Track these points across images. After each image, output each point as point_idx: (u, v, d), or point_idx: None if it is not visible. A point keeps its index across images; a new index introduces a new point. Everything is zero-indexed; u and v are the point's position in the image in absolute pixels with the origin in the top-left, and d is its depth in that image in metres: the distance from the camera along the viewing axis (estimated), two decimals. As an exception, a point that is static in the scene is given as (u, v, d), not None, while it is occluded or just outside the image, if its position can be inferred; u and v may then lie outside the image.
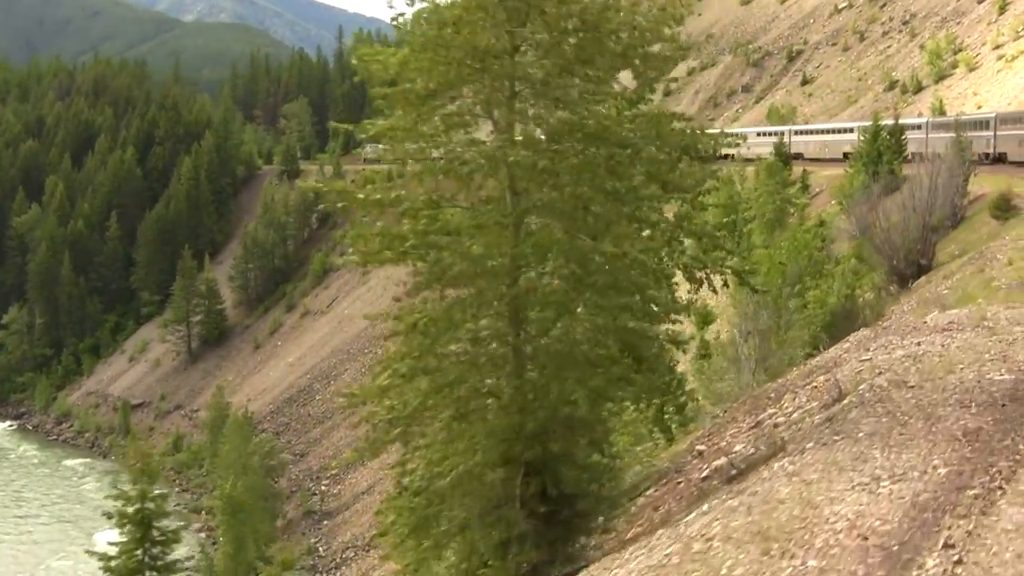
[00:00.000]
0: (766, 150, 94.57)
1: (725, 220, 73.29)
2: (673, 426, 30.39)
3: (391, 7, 18.15)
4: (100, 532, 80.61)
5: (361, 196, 17.04)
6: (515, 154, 15.86)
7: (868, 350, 18.97)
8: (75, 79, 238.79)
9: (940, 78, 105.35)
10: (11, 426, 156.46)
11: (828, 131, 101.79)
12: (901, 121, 65.44)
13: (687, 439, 25.08)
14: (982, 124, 71.56)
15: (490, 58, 15.87)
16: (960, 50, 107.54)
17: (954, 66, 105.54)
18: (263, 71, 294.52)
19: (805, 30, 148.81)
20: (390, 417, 16.46)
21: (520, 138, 16.45)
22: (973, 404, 13.32)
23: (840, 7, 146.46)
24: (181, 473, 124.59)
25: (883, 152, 57.10)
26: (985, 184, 47.61)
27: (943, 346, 16.82)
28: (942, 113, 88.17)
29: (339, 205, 18.12)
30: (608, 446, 17.97)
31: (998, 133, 68.38)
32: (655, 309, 17.25)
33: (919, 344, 17.53)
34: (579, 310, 16.40)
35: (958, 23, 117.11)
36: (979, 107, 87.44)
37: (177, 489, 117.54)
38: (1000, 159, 66.74)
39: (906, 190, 28.82)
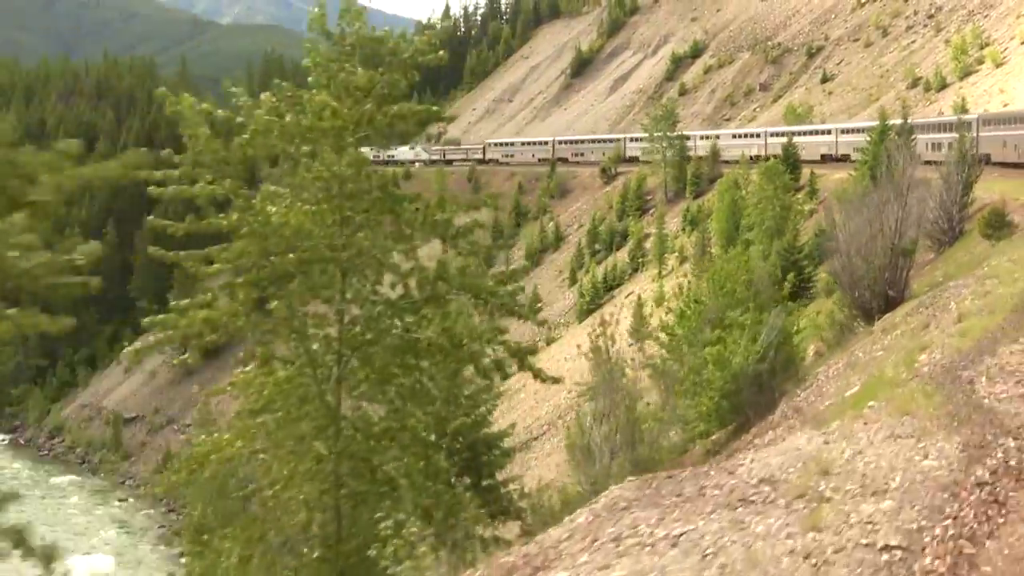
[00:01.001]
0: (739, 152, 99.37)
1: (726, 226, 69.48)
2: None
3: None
4: (73, 557, 77.05)
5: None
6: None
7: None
8: (80, 80, 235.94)
9: (965, 75, 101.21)
10: (3, 440, 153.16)
11: (805, 133, 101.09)
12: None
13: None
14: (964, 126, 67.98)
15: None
16: (987, 45, 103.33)
17: (980, 62, 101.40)
18: (276, 71, 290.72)
19: (826, 25, 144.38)
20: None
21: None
22: None
23: (863, 1, 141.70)
24: (170, 492, 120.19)
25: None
26: (997, 189, 43.35)
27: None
28: (964, 112, 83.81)
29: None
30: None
31: (981, 134, 65.49)
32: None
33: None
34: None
35: (985, 16, 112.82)
36: (1005, 105, 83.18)
37: (163, 509, 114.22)
38: (984, 161, 60.77)
39: (871, 205, 24.21)
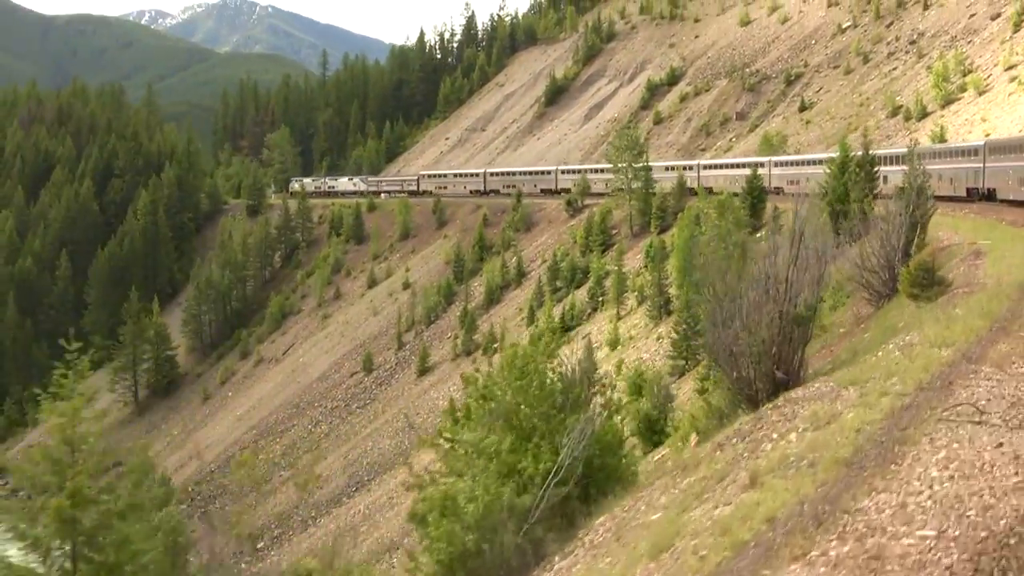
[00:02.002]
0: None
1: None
2: None
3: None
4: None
5: None
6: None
7: None
8: (43, 107, 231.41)
9: (947, 102, 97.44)
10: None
11: (734, 165, 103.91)
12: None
13: None
14: (969, 153, 65.57)
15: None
16: (970, 71, 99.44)
17: (963, 89, 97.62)
18: (251, 99, 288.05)
19: (806, 52, 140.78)
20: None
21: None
22: None
23: (844, 26, 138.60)
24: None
25: (851, 188, 48.03)
26: (958, 229, 39.16)
27: None
28: (942, 141, 79.84)
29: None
30: None
31: (988, 165, 60.85)
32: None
33: None
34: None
35: (969, 42, 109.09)
36: (987, 135, 78.87)
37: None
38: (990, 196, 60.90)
39: (762, 259, 19.31)
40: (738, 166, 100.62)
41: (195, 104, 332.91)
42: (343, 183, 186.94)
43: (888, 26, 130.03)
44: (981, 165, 62.49)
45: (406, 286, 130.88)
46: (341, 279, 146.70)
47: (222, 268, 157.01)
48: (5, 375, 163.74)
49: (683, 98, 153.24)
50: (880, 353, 17.51)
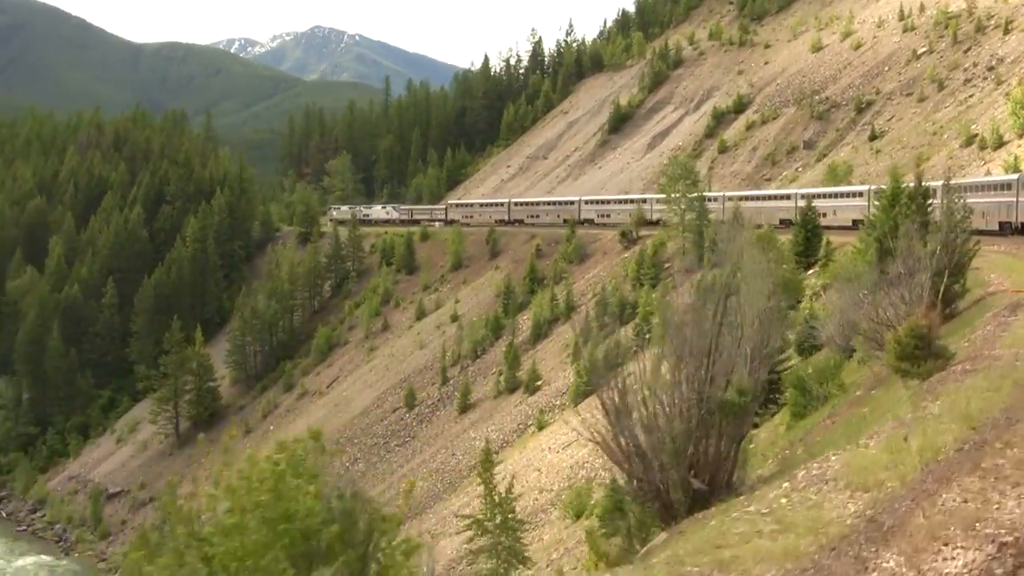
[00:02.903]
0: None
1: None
2: None
3: None
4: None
5: None
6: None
7: None
8: (101, 132, 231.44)
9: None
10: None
11: (763, 197, 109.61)
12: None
13: None
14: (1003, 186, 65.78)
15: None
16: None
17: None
18: (316, 125, 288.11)
19: (878, 78, 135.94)
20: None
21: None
22: None
23: (919, 52, 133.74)
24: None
25: (900, 222, 43.69)
26: (1014, 271, 35.00)
27: None
28: (1016, 171, 74.99)
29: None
30: None
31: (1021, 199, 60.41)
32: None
33: None
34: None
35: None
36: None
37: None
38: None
39: (671, 335, 15.14)
40: (764, 198, 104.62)
41: (278, 132, 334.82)
42: (376, 211, 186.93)
43: (966, 52, 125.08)
44: (1015, 199, 62.83)
45: (454, 318, 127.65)
46: (390, 310, 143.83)
47: (268, 298, 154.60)
48: (49, 404, 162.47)
49: (749, 126, 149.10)
50: (773, 494, 12.69)
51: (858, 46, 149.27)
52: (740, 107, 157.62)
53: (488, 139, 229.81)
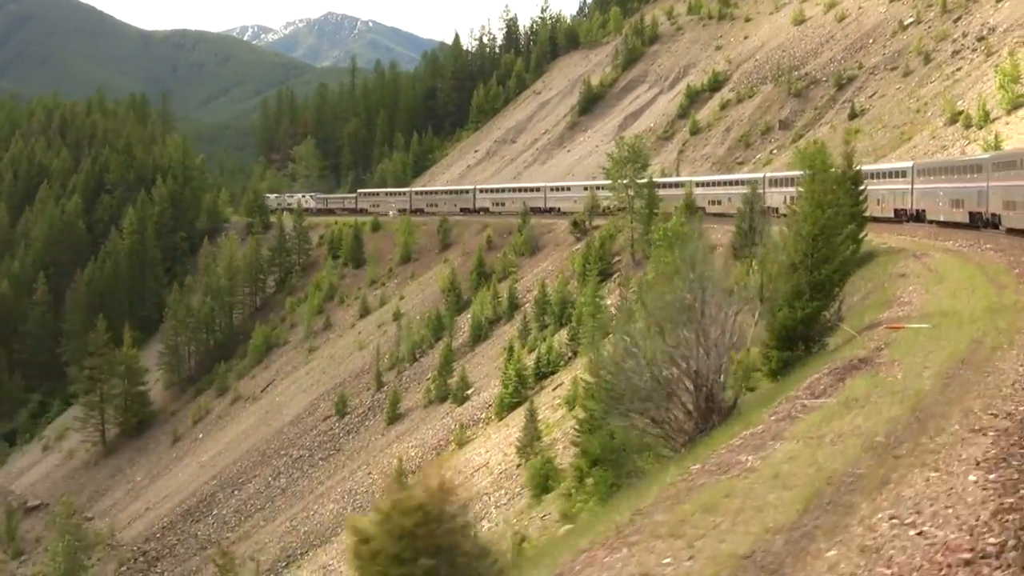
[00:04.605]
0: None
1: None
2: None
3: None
4: None
5: None
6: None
7: None
8: (52, 118, 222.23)
9: (1014, 107, 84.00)
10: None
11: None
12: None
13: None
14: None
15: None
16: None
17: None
18: (287, 109, 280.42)
19: (861, 52, 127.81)
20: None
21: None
22: None
23: (906, 23, 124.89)
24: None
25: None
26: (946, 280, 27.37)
27: None
28: (996, 150, 66.91)
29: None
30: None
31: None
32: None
33: None
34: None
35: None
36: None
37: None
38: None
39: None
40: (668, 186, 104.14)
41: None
42: (296, 199, 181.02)
43: (956, 21, 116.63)
44: (910, 186, 67.68)
45: (396, 317, 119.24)
46: (333, 308, 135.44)
47: (204, 295, 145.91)
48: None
49: (724, 105, 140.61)
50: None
51: (842, 18, 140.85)
52: (716, 85, 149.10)
53: (457, 122, 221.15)
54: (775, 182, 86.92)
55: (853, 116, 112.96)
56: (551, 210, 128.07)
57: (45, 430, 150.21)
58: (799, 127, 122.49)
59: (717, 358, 19.59)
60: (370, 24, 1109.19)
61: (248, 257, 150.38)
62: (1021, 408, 14.42)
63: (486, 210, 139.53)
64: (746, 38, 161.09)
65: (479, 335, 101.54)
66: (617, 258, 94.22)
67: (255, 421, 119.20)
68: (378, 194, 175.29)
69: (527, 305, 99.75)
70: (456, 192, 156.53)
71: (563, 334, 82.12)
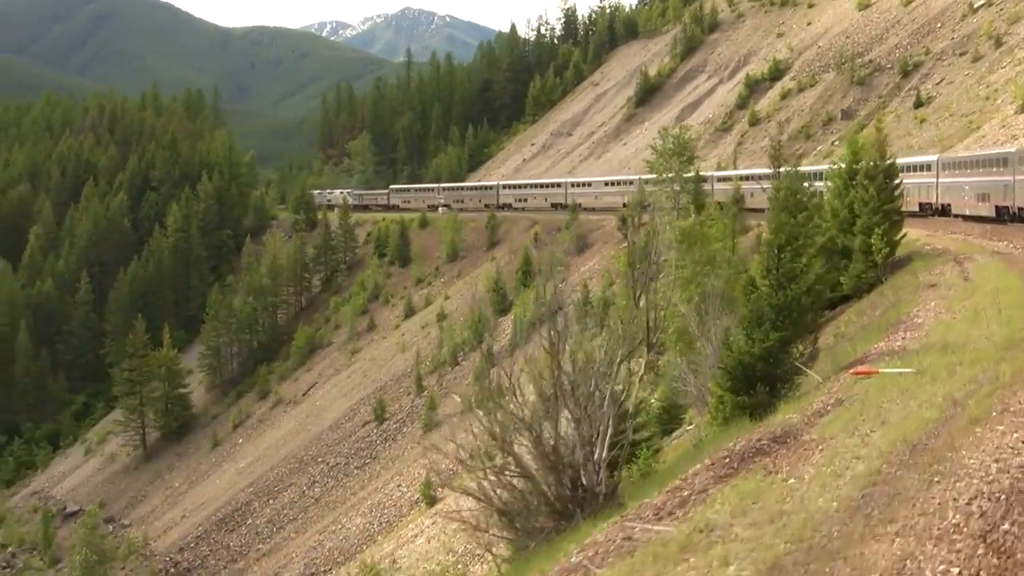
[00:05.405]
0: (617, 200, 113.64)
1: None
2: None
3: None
4: None
5: None
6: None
7: None
8: (104, 114, 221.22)
9: (1090, 93, 78.37)
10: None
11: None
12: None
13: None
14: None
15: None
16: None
17: (1113, 77, 78.53)
18: (346, 104, 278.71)
19: (928, 37, 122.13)
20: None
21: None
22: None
23: (976, 5, 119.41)
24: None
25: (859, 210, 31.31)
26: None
27: None
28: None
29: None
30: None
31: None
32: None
33: None
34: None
35: None
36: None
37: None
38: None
39: None
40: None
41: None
42: (336, 196, 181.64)
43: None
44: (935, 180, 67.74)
45: (441, 317, 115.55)
46: (377, 308, 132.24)
47: (246, 295, 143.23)
48: (15, 411, 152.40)
49: (784, 95, 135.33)
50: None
51: (909, 1, 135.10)
52: (776, 74, 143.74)
53: (513, 115, 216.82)
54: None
55: (919, 104, 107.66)
56: (575, 206, 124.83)
57: (88, 433, 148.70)
58: (862, 117, 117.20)
59: (589, 428, 15.61)
60: (447, 19, 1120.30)
61: (292, 255, 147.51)
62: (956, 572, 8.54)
63: (509, 206, 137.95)
64: (809, 24, 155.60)
65: (521, 338, 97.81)
66: (664, 259, 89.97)
67: (295, 426, 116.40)
68: (409, 190, 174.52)
69: (571, 305, 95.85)
70: (481, 188, 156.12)
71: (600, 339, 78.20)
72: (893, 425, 14.59)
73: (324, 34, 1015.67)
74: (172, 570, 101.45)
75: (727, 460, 15.11)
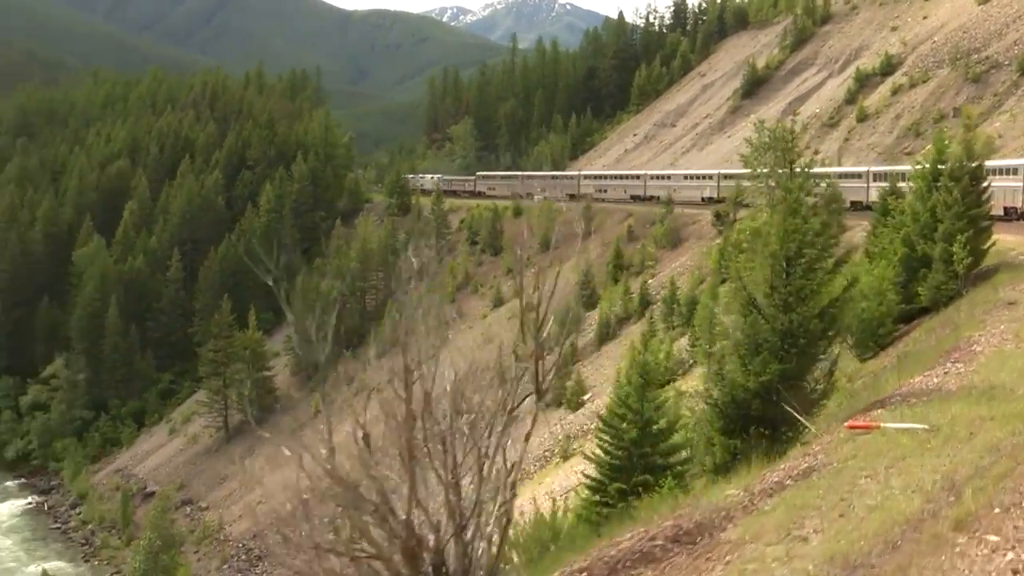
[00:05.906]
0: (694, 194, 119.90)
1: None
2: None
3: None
4: None
5: None
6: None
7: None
8: (207, 91, 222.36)
9: None
10: (30, 504, 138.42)
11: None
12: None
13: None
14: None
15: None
16: None
17: None
18: (452, 88, 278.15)
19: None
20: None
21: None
22: None
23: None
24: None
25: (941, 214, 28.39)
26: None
27: None
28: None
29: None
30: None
31: None
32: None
33: None
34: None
35: None
36: None
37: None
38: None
39: None
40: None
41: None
42: (427, 180, 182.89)
43: None
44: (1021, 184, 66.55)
45: (528, 309, 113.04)
46: (465, 297, 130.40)
47: (333, 279, 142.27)
48: (105, 387, 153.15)
49: (895, 91, 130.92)
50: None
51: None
52: (888, 69, 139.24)
53: (618, 104, 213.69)
54: (878, 176, 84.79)
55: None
56: (650, 198, 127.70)
57: (173, 412, 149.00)
58: (976, 116, 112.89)
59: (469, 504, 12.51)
60: (568, 7, 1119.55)
61: (383, 240, 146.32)
62: None
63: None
64: (925, 18, 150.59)
65: (606, 334, 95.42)
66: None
67: (376, 414, 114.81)
68: (494, 177, 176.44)
69: (658, 304, 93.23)
70: (563, 178, 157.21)
71: (685, 339, 75.49)
72: (849, 522, 11.20)
73: (445, 19, 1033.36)
74: (244, 557, 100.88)
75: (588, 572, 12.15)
